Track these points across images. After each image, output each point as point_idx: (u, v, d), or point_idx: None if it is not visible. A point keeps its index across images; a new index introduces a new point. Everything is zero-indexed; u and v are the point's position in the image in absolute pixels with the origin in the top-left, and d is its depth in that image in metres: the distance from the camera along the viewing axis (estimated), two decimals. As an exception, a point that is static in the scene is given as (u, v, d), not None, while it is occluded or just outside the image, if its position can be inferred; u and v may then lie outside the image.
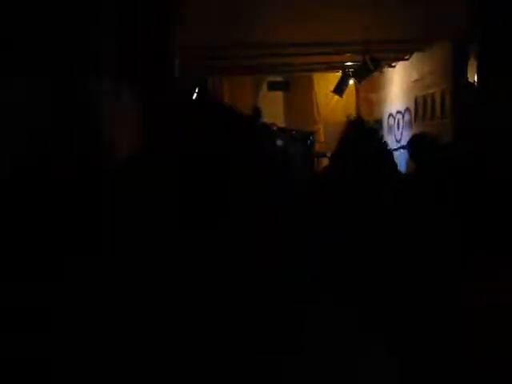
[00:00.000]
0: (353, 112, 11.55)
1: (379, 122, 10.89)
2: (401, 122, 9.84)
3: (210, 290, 2.13)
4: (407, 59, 9.37)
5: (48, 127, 3.13)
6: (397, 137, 9.88)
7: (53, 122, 3.19)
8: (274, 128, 9.64)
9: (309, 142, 10.71)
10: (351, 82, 10.34)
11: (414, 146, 5.18)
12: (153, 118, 4.15)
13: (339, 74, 10.36)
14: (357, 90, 11.61)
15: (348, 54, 9.03)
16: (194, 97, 7.64)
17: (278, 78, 11.86)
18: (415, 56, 9.06)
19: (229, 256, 2.22)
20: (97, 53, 3.71)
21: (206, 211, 2.18)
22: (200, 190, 2.44)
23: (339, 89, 10.37)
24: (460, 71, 7.16)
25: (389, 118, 10.53)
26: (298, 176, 7.70)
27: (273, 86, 11.86)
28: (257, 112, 9.02)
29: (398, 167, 5.70)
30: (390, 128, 10.43)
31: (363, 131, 4.75)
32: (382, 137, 9.51)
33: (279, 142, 8.67)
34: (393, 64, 10.02)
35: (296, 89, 12.00)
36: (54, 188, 2.73)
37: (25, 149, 2.91)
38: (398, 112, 9.97)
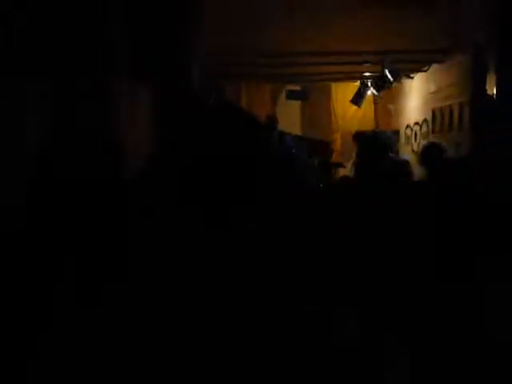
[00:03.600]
0: (371, 122, 11.54)
1: (397, 132, 10.86)
2: (418, 133, 9.80)
3: (230, 291, 2.14)
4: (425, 70, 9.35)
5: (62, 128, 3.16)
6: (414, 148, 9.85)
7: (67, 123, 3.23)
8: (294, 137, 9.65)
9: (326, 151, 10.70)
10: (369, 92, 10.33)
11: (425, 155, 5.34)
12: (169, 122, 4.18)
13: (358, 84, 10.36)
14: (375, 101, 11.60)
15: (367, 64, 9.04)
16: (211, 103, 7.67)
17: (297, 87, 11.87)
18: (433, 67, 9.04)
19: (245, 257, 2.23)
20: (113, 54, 3.75)
21: (219, 212, 2.20)
22: (213, 192, 2.46)
23: (357, 99, 10.37)
24: (479, 83, 7.13)
25: (406, 128, 10.50)
26: (315, 184, 7.70)
27: (291, 95, 11.86)
28: (272, 120, 9.03)
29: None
30: (408, 139, 10.40)
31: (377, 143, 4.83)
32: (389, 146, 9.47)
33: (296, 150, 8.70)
34: (411, 75, 10.01)
35: (314, 98, 12.01)
36: (70, 189, 2.76)
37: (38, 150, 2.94)
38: (416, 123, 9.94)
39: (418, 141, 9.75)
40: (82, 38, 3.30)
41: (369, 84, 10.01)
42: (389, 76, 9.02)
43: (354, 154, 6.63)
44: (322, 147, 10.70)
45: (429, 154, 5.37)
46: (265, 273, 2.01)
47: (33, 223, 2.61)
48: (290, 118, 11.44)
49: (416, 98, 10.04)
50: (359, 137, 8.86)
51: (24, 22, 2.93)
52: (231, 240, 2.06)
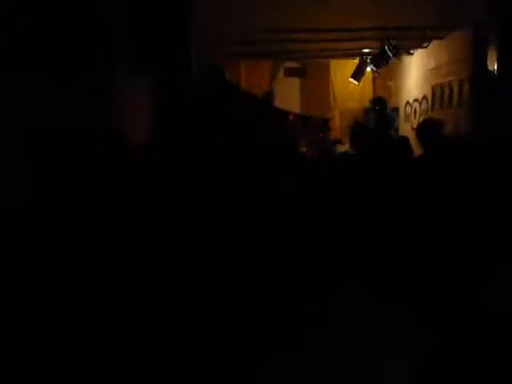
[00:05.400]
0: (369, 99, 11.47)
1: (396, 109, 10.80)
2: (418, 110, 9.75)
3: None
4: (425, 47, 9.28)
5: (68, 117, 3.15)
6: (413, 125, 9.81)
7: (72, 112, 3.21)
8: (290, 116, 9.61)
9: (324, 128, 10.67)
10: (368, 69, 10.26)
11: (421, 130, 5.30)
12: (169, 106, 4.16)
13: (357, 60, 10.29)
14: (374, 78, 11.53)
15: (366, 41, 8.96)
16: (210, 83, 7.61)
17: (295, 64, 11.79)
18: (434, 44, 8.97)
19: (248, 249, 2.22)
20: (111, 42, 3.72)
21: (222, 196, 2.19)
22: (217, 175, 2.44)
23: (356, 75, 10.31)
24: (479, 59, 7.08)
25: (406, 106, 10.44)
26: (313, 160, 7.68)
27: (289, 72, 11.79)
28: (269, 96, 8.97)
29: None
30: (407, 116, 10.35)
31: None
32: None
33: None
34: (411, 51, 9.94)
35: (313, 75, 11.94)
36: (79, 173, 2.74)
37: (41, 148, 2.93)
38: (415, 100, 9.88)
39: (417, 118, 9.70)
40: (82, 35, 3.27)
41: (368, 60, 9.94)
42: (388, 52, 8.95)
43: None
44: (320, 124, 10.65)
45: (426, 130, 5.32)
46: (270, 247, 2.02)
47: (39, 217, 2.61)
48: (288, 95, 11.38)
49: (416, 74, 9.98)
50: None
51: (24, 22, 2.90)
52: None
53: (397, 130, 10.41)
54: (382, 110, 8.92)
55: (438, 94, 8.76)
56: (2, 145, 2.75)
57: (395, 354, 2.41)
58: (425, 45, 9.26)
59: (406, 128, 10.05)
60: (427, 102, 9.27)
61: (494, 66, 6.58)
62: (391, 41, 8.71)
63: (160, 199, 2.58)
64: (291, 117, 9.60)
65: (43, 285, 2.40)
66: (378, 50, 9.24)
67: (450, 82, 8.26)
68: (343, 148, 9.40)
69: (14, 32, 2.93)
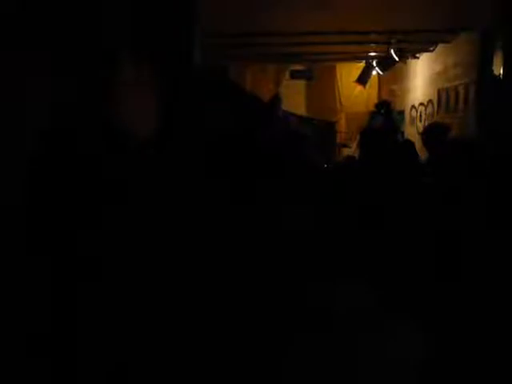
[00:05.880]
0: (375, 103, 11.47)
1: (402, 113, 10.79)
2: (423, 114, 9.74)
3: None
4: (432, 50, 9.27)
5: (73, 107, 3.16)
6: (419, 129, 9.79)
7: (77, 102, 3.22)
8: (299, 117, 9.56)
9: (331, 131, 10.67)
10: (374, 72, 10.26)
11: (427, 135, 5.28)
12: (171, 104, 4.17)
13: (362, 64, 10.28)
14: (380, 81, 11.52)
15: (372, 45, 8.96)
16: (212, 85, 7.61)
17: (301, 67, 11.80)
18: (440, 48, 8.95)
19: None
20: (115, 39, 3.73)
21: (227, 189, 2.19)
22: (219, 170, 2.43)
23: (362, 79, 10.31)
24: (486, 64, 7.06)
25: (411, 109, 10.43)
26: (319, 164, 7.68)
27: (295, 75, 11.80)
28: (276, 99, 8.95)
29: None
30: (413, 120, 10.33)
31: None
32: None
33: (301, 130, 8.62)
34: (417, 55, 9.92)
35: (319, 78, 11.94)
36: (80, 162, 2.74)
37: (51, 125, 2.94)
38: (421, 104, 9.87)
39: (423, 121, 9.69)
40: (82, 34, 3.29)
41: (374, 64, 9.93)
42: (394, 56, 8.94)
43: (358, 135, 6.59)
44: (326, 128, 10.65)
45: (432, 134, 5.30)
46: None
47: (40, 217, 2.61)
48: (294, 98, 11.38)
49: (421, 78, 9.97)
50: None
51: (23, 18, 2.92)
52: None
53: (402, 133, 10.40)
54: (387, 113, 8.91)
55: (444, 98, 8.75)
56: (2, 145, 2.75)
57: (395, 354, 2.40)
58: (431, 48, 9.24)
59: (412, 131, 10.04)
60: (433, 105, 9.26)
61: (500, 70, 6.56)
62: (397, 44, 8.70)
63: (159, 198, 2.57)
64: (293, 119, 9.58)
65: (43, 285, 2.40)
66: (383, 54, 9.23)
67: (456, 85, 8.24)
68: (346, 151, 9.40)
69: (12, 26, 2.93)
